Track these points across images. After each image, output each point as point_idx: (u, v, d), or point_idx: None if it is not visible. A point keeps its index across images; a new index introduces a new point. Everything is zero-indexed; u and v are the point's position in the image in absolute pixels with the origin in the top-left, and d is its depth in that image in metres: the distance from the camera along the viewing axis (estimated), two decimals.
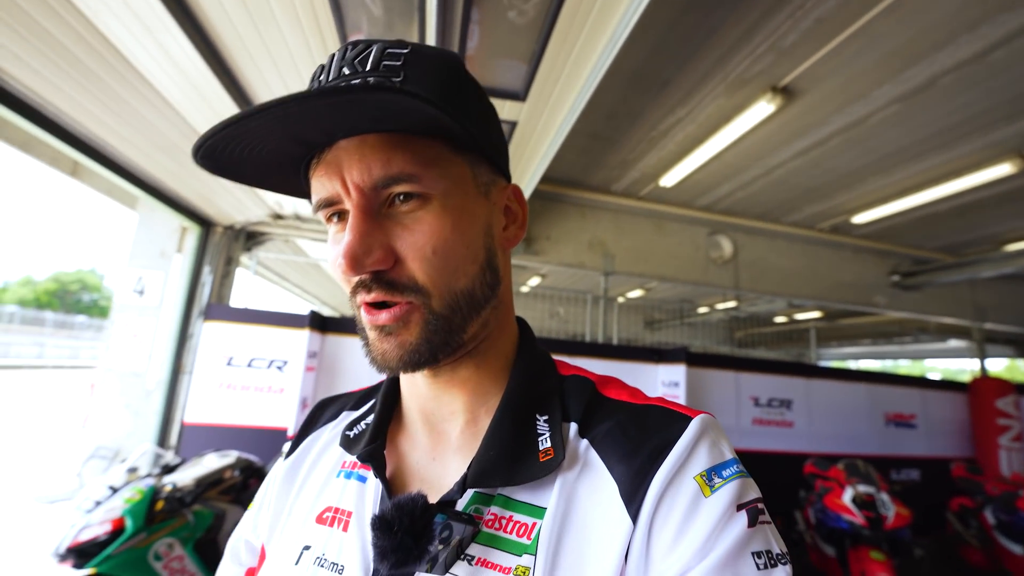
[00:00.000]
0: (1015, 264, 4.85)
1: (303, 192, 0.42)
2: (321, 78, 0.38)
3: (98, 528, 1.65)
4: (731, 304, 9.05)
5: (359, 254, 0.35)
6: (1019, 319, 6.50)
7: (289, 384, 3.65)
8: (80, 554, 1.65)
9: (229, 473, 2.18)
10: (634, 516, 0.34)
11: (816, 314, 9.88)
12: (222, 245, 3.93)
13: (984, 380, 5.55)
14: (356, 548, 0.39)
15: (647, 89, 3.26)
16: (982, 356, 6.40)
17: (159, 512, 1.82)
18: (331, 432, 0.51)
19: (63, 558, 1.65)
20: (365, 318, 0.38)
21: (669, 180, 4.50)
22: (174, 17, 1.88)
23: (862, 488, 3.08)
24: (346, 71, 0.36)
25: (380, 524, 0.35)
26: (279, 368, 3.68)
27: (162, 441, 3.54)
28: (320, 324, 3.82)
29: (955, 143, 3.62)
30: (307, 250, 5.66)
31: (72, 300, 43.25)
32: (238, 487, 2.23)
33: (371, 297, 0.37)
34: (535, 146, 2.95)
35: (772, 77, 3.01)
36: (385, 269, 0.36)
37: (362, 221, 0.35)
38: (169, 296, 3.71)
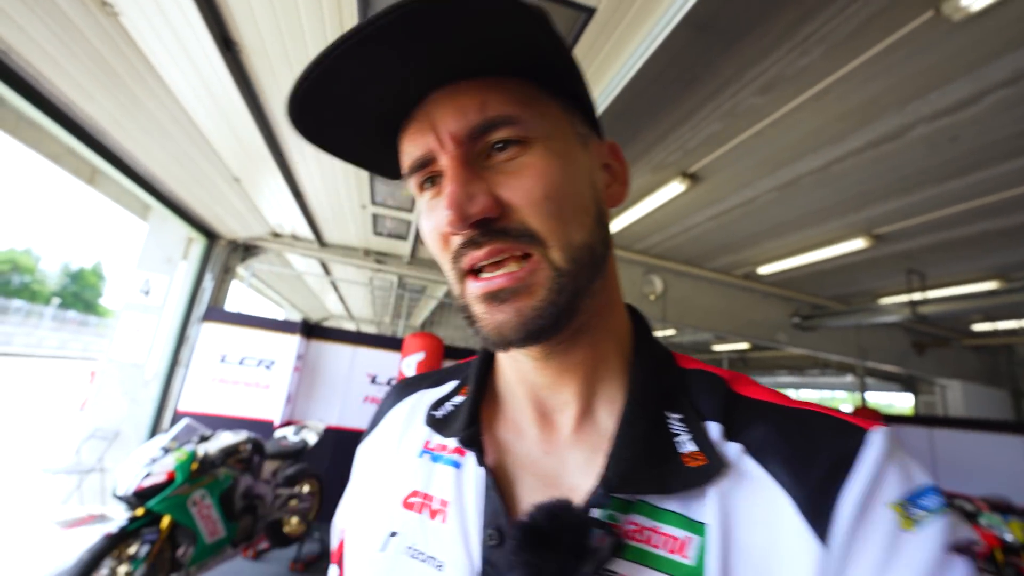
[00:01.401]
0: (886, 314, 6.06)
1: (390, 170, 0.40)
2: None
3: (157, 477, 2.25)
4: (670, 332, 10.15)
5: (463, 202, 0.31)
6: (894, 359, 7.88)
7: (275, 381, 4.21)
8: (139, 496, 2.25)
9: (243, 447, 2.78)
10: (822, 537, 0.28)
11: (740, 346, 11.16)
12: (222, 256, 4.47)
13: (862, 411, 6.75)
14: (458, 543, 0.35)
15: None
16: (863, 390, 7.69)
17: (194, 471, 2.43)
18: (409, 410, 0.48)
19: (124, 498, 2.24)
20: (474, 289, 0.34)
21: (611, 228, 5.42)
22: (203, 17, 1.86)
23: None
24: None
25: (534, 538, 0.30)
26: (267, 367, 4.24)
27: (156, 427, 4.00)
28: (307, 331, 4.42)
29: (822, 222, 4.73)
30: (295, 263, 6.20)
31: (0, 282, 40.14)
32: (247, 459, 2.83)
33: (483, 253, 0.33)
34: None
35: (682, 166, 3.97)
36: (494, 217, 0.32)
37: (462, 170, 0.32)
38: (172, 298, 4.20)
